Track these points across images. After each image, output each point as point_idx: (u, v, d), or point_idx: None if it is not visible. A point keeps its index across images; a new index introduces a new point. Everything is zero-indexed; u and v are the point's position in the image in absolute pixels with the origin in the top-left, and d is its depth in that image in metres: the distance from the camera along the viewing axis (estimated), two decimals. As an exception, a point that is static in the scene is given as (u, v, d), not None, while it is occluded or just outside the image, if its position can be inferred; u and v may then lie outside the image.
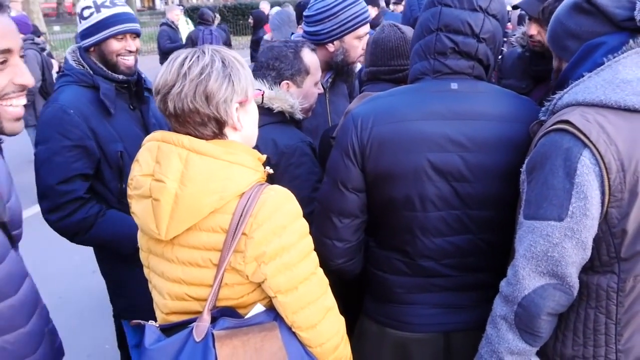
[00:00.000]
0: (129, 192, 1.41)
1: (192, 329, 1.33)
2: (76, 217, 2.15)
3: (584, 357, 1.39)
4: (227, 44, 10.79)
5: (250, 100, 1.43)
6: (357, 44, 2.42)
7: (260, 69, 2.06)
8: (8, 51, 1.30)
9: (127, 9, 2.29)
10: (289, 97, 1.99)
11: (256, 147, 1.49)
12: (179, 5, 20.54)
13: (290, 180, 1.80)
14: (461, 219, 1.57)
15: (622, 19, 1.34)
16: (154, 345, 1.35)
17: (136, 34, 2.31)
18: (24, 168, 7.22)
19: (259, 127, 1.54)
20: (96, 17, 2.21)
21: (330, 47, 2.41)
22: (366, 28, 2.44)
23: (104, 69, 2.26)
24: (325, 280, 1.46)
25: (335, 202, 1.62)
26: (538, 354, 1.44)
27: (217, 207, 1.31)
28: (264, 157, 1.45)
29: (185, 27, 10.48)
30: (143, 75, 2.45)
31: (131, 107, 2.37)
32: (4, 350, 1.32)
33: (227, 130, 1.38)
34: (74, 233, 2.20)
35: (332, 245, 1.65)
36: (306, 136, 2.03)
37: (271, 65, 2.04)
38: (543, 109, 1.47)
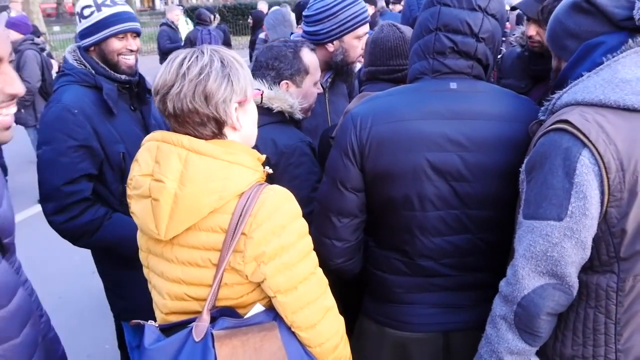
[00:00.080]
0: (128, 192, 1.41)
1: (192, 328, 1.33)
2: (84, 218, 2.13)
3: (584, 357, 1.39)
4: (227, 44, 10.79)
5: (249, 100, 1.43)
6: (356, 44, 2.42)
7: (260, 69, 2.06)
8: None
9: (127, 8, 2.28)
10: (289, 97, 1.99)
11: (255, 147, 1.49)
12: (178, 5, 20.55)
13: (289, 180, 1.80)
14: (460, 219, 1.57)
15: (621, 18, 1.34)
16: (154, 345, 1.35)
17: (137, 33, 2.30)
18: (24, 168, 7.23)
19: (259, 127, 1.54)
20: (97, 16, 2.19)
21: (330, 47, 2.41)
22: (365, 28, 2.44)
23: (106, 68, 2.24)
24: (325, 280, 1.46)
25: (334, 201, 1.62)
26: (538, 353, 1.44)
27: (217, 207, 1.31)
28: (264, 157, 1.45)
29: (185, 27, 10.48)
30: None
31: (132, 107, 2.37)
32: None
33: (227, 130, 1.38)
34: (79, 235, 2.17)
35: (331, 245, 1.65)
36: (306, 136, 2.03)
37: (270, 65, 2.04)
38: (542, 108, 1.47)
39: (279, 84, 2.04)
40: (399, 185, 1.55)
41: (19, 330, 1.36)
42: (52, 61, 6.61)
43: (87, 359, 3.47)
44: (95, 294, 3.86)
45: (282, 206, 1.35)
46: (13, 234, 1.44)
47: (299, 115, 2.02)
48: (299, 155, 1.92)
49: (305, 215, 1.42)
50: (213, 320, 1.35)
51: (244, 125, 1.42)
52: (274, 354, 1.35)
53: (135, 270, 1.69)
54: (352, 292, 1.82)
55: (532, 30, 2.24)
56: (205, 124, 1.34)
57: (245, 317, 1.39)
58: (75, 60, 2.24)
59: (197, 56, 1.32)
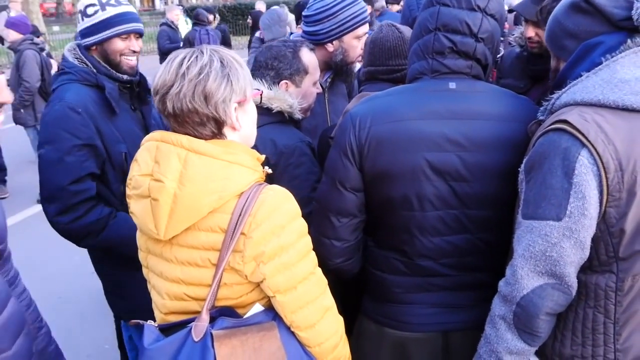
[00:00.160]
0: (128, 191, 1.41)
1: (191, 328, 1.33)
2: (89, 218, 2.11)
3: (583, 357, 1.39)
4: (227, 44, 10.78)
5: (248, 100, 1.43)
6: (356, 44, 2.42)
7: (259, 69, 2.06)
8: None
9: (132, 9, 2.27)
10: (288, 97, 1.99)
11: (255, 147, 1.49)
12: (178, 5, 20.53)
13: (289, 180, 1.80)
14: (459, 219, 1.57)
15: (620, 18, 1.34)
16: (153, 345, 1.35)
17: (140, 34, 2.29)
18: (23, 168, 7.23)
19: (258, 127, 1.55)
20: (101, 15, 2.17)
21: (330, 47, 2.41)
22: (365, 28, 2.44)
23: (108, 68, 2.23)
24: (324, 280, 1.46)
25: (333, 201, 1.62)
26: (537, 353, 1.44)
27: (216, 206, 1.31)
28: (263, 157, 1.45)
29: (185, 27, 10.48)
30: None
31: (132, 107, 2.35)
32: None
33: (226, 130, 1.38)
34: (84, 235, 2.14)
35: (330, 245, 1.65)
36: (305, 136, 2.03)
37: (270, 65, 2.04)
38: (541, 108, 1.47)
39: (278, 84, 2.04)
40: (398, 185, 1.55)
41: (11, 342, 1.35)
42: (52, 61, 6.60)
43: (86, 359, 3.47)
44: (95, 294, 3.86)
45: (282, 206, 1.35)
46: (5, 241, 1.42)
47: (298, 115, 2.02)
48: (299, 155, 1.92)
49: (304, 216, 1.42)
50: (212, 320, 1.35)
51: (244, 125, 1.42)
52: (273, 354, 1.35)
53: (135, 270, 1.68)
54: (352, 292, 1.82)
55: (530, 31, 2.24)
56: (205, 124, 1.34)
57: (245, 317, 1.39)
58: (77, 58, 2.22)
59: (197, 56, 1.33)
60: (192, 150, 1.30)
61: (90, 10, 2.18)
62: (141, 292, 1.65)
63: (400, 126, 1.53)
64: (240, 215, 1.31)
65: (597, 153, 1.25)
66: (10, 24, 6.27)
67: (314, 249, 1.44)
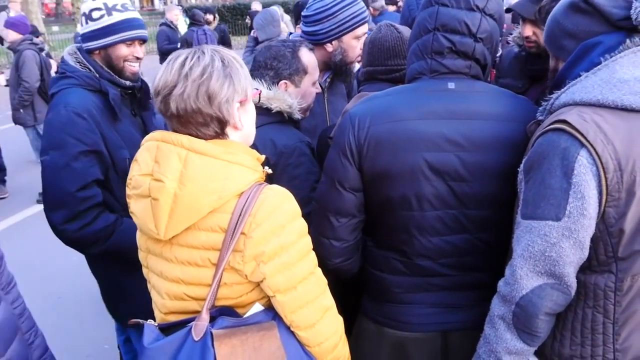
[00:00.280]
0: (128, 191, 1.41)
1: (191, 328, 1.33)
2: (98, 224, 2.07)
3: (582, 357, 1.39)
4: (227, 44, 10.77)
5: (249, 99, 1.43)
6: (355, 44, 2.42)
7: (258, 69, 2.06)
8: None
9: (138, 15, 2.25)
10: (288, 97, 1.99)
11: (254, 147, 1.49)
12: (177, 5, 20.54)
13: (288, 181, 1.80)
14: (458, 219, 1.57)
15: (618, 18, 1.34)
16: (153, 345, 1.35)
17: (144, 41, 2.28)
18: (23, 168, 7.23)
19: (258, 127, 1.55)
20: (107, 20, 2.15)
21: (329, 47, 2.41)
22: (364, 28, 2.44)
23: (111, 73, 2.20)
24: (324, 280, 1.46)
25: (332, 201, 1.62)
26: (536, 353, 1.44)
27: (216, 206, 1.31)
28: (263, 157, 1.45)
29: (185, 27, 10.48)
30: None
31: (132, 113, 2.34)
32: None
33: (228, 130, 1.39)
34: (92, 242, 2.10)
35: (329, 245, 1.65)
36: (305, 136, 2.03)
37: (269, 65, 2.04)
38: (540, 108, 1.47)
39: (277, 84, 2.04)
40: (397, 185, 1.55)
41: (4, 348, 1.34)
42: (51, 61, 6.60)
43: (86, 359, 3.47)
44: (94, 294, 3.85)
45: (282, 206, 1.35)
46: None
47: (297, 116, 2.02)
48: (298, 155, 1.92)
49: (304, 216, 1.42)
50: (212, 319, 1.35)
51: (245, 124, 1.42)
52: (273, 354, 1.35)
53: (135, 271, 1.67)
54: (351, 292, 1.82)
55: (528, 30, 2.23)
56: (208, 124, 1.34)
57: (245, 316, 1.39)
58: (78, 62, 2.19)
59: (199, 56, 1.33)
60: (193, 150, 1.30)
61: (95, 14, 2.15)
62: (141, 291, 1.64)
63: (399, 126, 1.53)
64: (240, 215, 1.31)
65: (596, 153, 1.25)
66: (10, 24, 6.27)
67: (313, 249, 1.44)
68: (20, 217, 5.74)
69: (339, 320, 1.50)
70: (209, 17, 10.74)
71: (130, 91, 2.29)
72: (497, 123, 1.53)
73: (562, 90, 1.39)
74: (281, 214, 1.34)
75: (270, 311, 1.41)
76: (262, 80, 2.01)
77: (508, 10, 2.37)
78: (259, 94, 1.82)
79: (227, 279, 1.35)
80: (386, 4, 7.09)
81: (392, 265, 1.66)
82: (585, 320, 1.38)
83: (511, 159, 1.49)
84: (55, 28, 23.56)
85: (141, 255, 1.52)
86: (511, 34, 2.45)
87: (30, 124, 6.26)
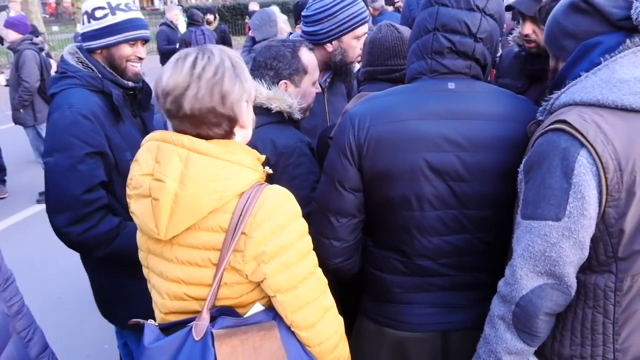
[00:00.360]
0: (128, 191, 1.41)
1: (191, 328, 1.33)
2: (102, 227, 2.04)
3: (582, 357, 1.39)
4: (228, 44, 10.75)
5: (253, 99, 1.44)
6: (355, 44, 2.42)
7: (258, 69, 2.06)
8: None
9: (141, 15, 2.23)
10: (287, 97, 1.99)
11: (255, 147, 1.50)
12: (177, 5, 20.54)
13: (288, 181, 1.79)
14: (458, 219, 1.57)
15: (618, 18, 1.35)
16: (153, 344, 1.35)
17: (146, 41, 2.26)
18: (23, 168, 7.24)
19: (258, 127, 1.55)
20: (111, 20, 2.12)
21: (329, 47, 2.41)
22: (364, 28, 2.44)
23: (114, 73, 2.18)
24: (324, 280, 1.46)
25: (332, 201, 1.62)
26: (536, 353, 1.44)
27: (217, 206, 1.31)
28: (263, 157, 1.46)
29: (185, 27, 10.46)
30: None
31: (133, 114, 2.31)
32: None
33: (236, 129, 1.40)
34: (96, 245, 2.06)
35: (329, 245, 1.65)
36: (304, 136, 2.03)
37: (269, 65, 2.04)
38: (540, 108, 1.47)
39: (277, 84, 2.04)
40: (397, 185, 1.55)
41: None
42: (51, 61, 6.60)
43: (86, 359, 3.47)
44: (94, 294, 3.87)
45: (282, 206, 1.35)
46: None
47: (297, 115, 2.02)
48: (298, 155, 1.92)
49: (304, 216, 1.42)
50: (212, 319, 1.35)
51: (248, 123, 1.43)
52: (274, 353, 1.35)
53: (137, 275, 1.65)
54: (351, 292, 1.82)
55: (527, 28, 2.22)
56: (220, 124, 1.35)
57: (245, 316, 1.39)
58: (80, 62, 2.16)
59: (209, 56, 1.33)
60: (193, 150, 1.31)
61: (99, 13, 2.12)
62: (141, 294, 1.64)
63: (399, 126, 1.53)
64: (241, 215, 1.31)
65: (596, 153, 1.25)
66: (10, 24, 6.27)
67: (313, 249, 1.44)
68: (20, 217, 5.75)
69: (339, 320, 1.50)
70: (210, 17, 10.73)
71: (131, 92, 2.27)
72: (497, 123, 1.53)
73: (562, 90, 1.39)
74: (282, 214, 1.34)
75: (271, 311, 1.41)
76: (262, 80, 2.01)
77: (508, 8, 2.37)
78: None
79: (228, 278, 1.35)
80: (384, 4, 7.09)
81: (392, 265, 1.66)
82: (585, 320, 1.38)
83: (511, 159, 1.49)
84: (55, 28, 23.53)
85: (141, 256, 1.52)
86: (511, 34, 2.44)
87: (30, 124, 6.25)
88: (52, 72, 6.28)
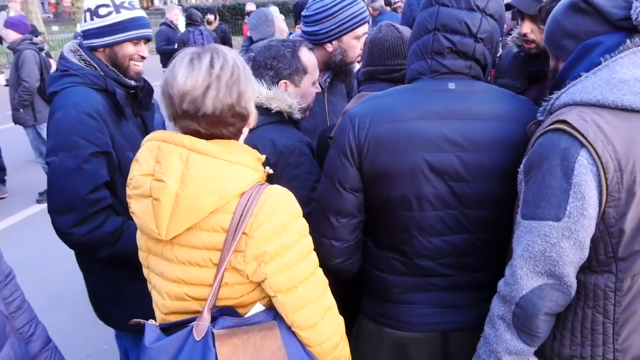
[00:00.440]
0: (128, 191, 1.41)
1: (192, 328, 1.33)
2: (107, 228, 2.02)
3: (582, 357, 1.39)
4: (229, 44, 10.74)
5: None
6: (355, 44, 2.42)
7: (258, 69, 2.05)
8: None
9: (144, 13, 2.20)
10: (287, 97, 1.99)
11: (254, 147, 1.50)
12: (177, 5, 20.52)
13: (288, 181, 1.79)
14: (458, 219, 1.57)
15: (618, 18, 1.35)
16: (154, 344, 1.35)
17: (148, 40, 2.24)
18: (23, 168, 7.24)
19: (258, 127, 1.55)
20: (115, 18, 2.09)
21: (329, 47, 2.41)
22: (364, 28, 2.44)
23: (117, 72, 2.16)
24: (325, 280, 1.46)
25: (332, 201, 1.62)
26: (536, 353, 1.44)
27: (218, 206, 1.31)
28: (264, 157, 1.46)
29: (185, 27, 10.45)
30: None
31: (133, 113, 2.30)
32: None
33: (244, 129, 1.42)
34: (101, 245, 2.03)
35: (329, 245, 1.65)
36: (304, 136, 2.03)
37: (269, 65, 2.04)
38: (540, 109, 1.47)
39: (277, 84, 2.04)
40: (397, 185, 1.55)
41: None
42: (51, 61, 6.60)
43: (86, 359, 3.47)
44: (94, 294, 3.85)
45: (283, 206, 1.36)
46: None
47: (297, 115, 2.02)
48: (298, 155, 1.92)
49: (304, 216, 1.42)
50: (213, 319, 1.35)
51: (253, 123, 1.45)
52: (274, 353, 1.35)
53: (137, 277, 1.64)
54: (351, 292, 1.82)
55: (526, 27, 2.20)
56: (235, 124, 1.37)
57: (246, 316, 1.39)
58: (82, 60, 2.13)
59: (224, 57, 1.34)
60: (194, 150, 1.31)
61: (102, 11, 2.09)
62: (141, 296, 1.63)
63: (400, 126, 1.53)
64: (242, 215, 1.31)
65: (596, 153, 1.25)
66: (9, 24, 6.27)
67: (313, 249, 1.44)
68: (20, 217, 5.74)
69: (340, 320, 1.50)
70: (210, 17, 10.72)
71: (133, 91, 2.25)
72: (497, 123, 1.53)
73: (562, 90, 1.39)
74: (282, 214, 1.34)
75: (271, 311, 1.41)
76: (262, 80, 2.01)
77: (508, 8, 2.36)
78: None
79: (229, 279, 1.35)
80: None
81: (392, 265, 1.66)
82: (585, 320, 1.38)
83: (511, 159, 1.49)
84: (55, 28, 23.51)
85: (141, 256, 1.52)
86: (510, 34, 2.44)
87: (30, 124, 6.25)
88: (52, 72, 6.28)
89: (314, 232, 1.56)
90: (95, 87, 2.09)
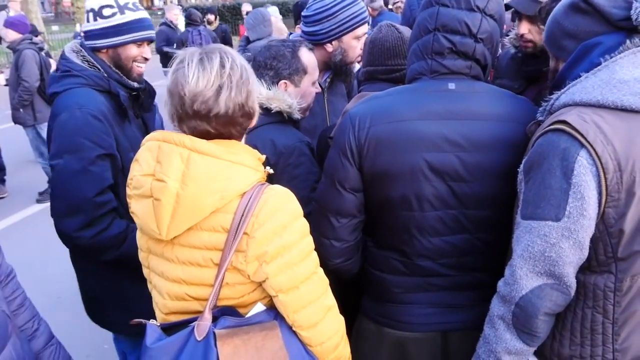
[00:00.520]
0: (129, 192, 1.41)
1: (193, 328, 1.33)
2: (112, 230, 2.00)
3: (582, 357, 1.39)
4: (229, 44, 10.73)
5: None
6: (355, 44, 2.42)
7: (258, 69, 2.05)
8: None
9: (147, 15, 2.20)
10: (287, 97, 1.99)
11: (254, 147, 1.50)
12: (177, 5, 20.50)
13: (288, 181, 1.79)
14: (458, 219, 1.57)
15: (618, 18, 1.35)
16: (155, 344, 1.35)
17: (151, 41, 2.23)
18: (22, 168, 7.23)
19: (258, 127, 1.55)
20: (119, 19, 2.08)
21: (329, 47, 2.41)
22: (364, 28, 2.44)
23: (120, 74, 2.14)
24: (326, 280, 1.47)
25: (332, 201, 1.63)
26: (536, 353, 1.44)
27: (219, 206, 1.32)
28: (264, 157, 1.46)
29: (184, 27, 10.45)
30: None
31: (135, 114, 2.29)
32: None
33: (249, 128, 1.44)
34: (107, 248, 2.02)
35: (329, 245, 1.65)
36: (304, 136, 2.03)
37: (269, 65, 2.04)
38: (540, 109, 1.47)
39: (277, 84, 2.04)
40: (397, 186, 1.55)
41: None
42: (51, 60, 6.60)
43: (86, 359, 3.47)
44: (94, 294, 3.85)
45: (284, 206, 1.36)
46: None
47: (297, 115, 2.02)
48: (298, 155, 1.92)
49: (304, 216, 1.42)
50: (214, 319, 1.36)
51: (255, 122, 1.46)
52: (276, 353, 1.35)
53: (137, 279, 1.63)
54: (351, 292, 1.82)
55: (524, 27, 2.20)
56: (243, 123, 1.38)
57: (247, 316, 1.39)
58: (86, 61, 2.11)
59: (232, 57, 1.35)
60: (195, 150, 1.31)
61: (106, 12, 2.07)
62: (141, 298, 1.63)
63: (400, 126, 1.53)
64: (242, 215, 1.31)
65: (596, 153, 1.25)
66: (9, 24, 6.27)
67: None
68: (20, 217, 5.74)
69: (341, 319, 1.50)
70: (210, 17, 10.70)
71: (134, 92, 2.23)
72: (497, 123, 1.53)
73: (562, 90, 1.40)
74: (283, 214, 1.34)
75: (272, 311, 1.42)
76: (262, 80, 2.01)
77: (507, 8, 2.35)
78: None
79: (230, 279, 1.35)
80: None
81: (392, 266, 1.66)
82: (584, 320, 1.38)
83: (511, 159, 1.50)
84: (55, 28, 23.48)
85: (142, 256, 1.52)
86: (507, 35, 2.44)
87: (29, 124, 6.24)
88: (52, 71, 6.27)
89: (314, 232, 1.56)
90: (98, 88, 2.08)
